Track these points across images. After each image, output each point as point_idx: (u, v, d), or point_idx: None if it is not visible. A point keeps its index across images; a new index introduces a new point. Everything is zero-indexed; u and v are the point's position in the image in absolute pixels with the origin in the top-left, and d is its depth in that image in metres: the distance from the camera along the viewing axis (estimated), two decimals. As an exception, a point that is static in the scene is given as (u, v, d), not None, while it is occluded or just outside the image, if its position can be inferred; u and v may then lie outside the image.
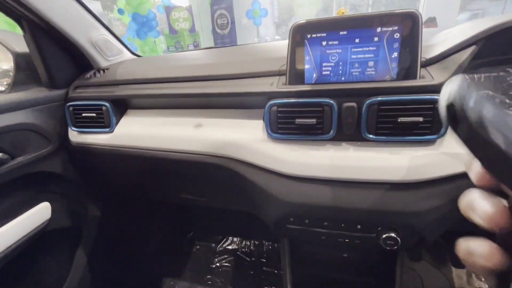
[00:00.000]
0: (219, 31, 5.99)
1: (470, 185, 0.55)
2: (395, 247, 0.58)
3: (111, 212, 1.07)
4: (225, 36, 6.01)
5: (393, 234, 0.57)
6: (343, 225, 0.61)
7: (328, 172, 0.59)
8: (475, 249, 0.17)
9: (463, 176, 0.53)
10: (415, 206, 0.55)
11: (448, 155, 0.54)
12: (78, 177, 0.94)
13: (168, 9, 5.54)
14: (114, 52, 0.98)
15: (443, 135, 0.54)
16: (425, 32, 0.74)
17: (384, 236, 0.58)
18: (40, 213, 0.79)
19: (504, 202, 0.17)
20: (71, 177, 0.91)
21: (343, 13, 1.06)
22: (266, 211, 0.68)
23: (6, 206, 0.74)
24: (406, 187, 0.56)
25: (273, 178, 0.64)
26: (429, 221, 0.56)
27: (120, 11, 5.66)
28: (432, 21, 4.76)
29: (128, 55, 1.07)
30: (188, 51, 1.21)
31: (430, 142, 0.56)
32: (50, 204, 0.84)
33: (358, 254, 0.70)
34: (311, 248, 0.77)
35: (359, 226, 0.60)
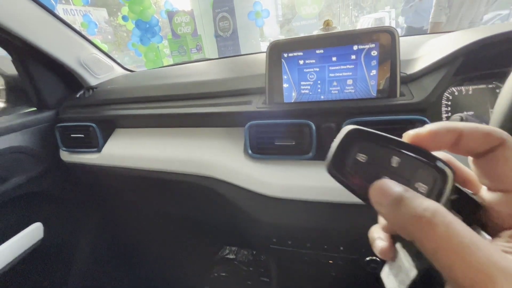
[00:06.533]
0: (221, 34, 6.00)
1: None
2: (378, 270, 0.56)
3: (107, 227, 1.08)
4: (227, 39, 6.02)
5: (376, 258, 0.56)
6: (325, 246, 0.60)
7: (308, 193, 0.58)
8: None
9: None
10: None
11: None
12: (72, 195, 0.95)
13: (171, 14, 5.58)
14: (103, 70, 0.99)
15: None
16: (411, 42, 0.72)
17: (367, 259, 0.57)
18: (32, 233, 0.81)
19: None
20: (64, 195, 0.93)
21: (328, 24, 1.03)
22: (248, 232, 0.67)
23: (0, 229, 0.76)
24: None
25: (254, 199, 0.63)
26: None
27: (124, 18, 5.76)
28: None
29: (119, 70, 1.08)
30: (180, 64, 1.21)
31: (412, 162, 0.54)
32: (44, 223, 0.85)
33: (345, 273, 0.68)
34: (299, 266, 0.76)
35: (341, 248, 0.59)
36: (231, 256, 1.39)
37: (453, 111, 0.57)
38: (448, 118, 0.56)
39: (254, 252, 1.38)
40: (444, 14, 2.18)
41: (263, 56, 0.92)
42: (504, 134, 0.16)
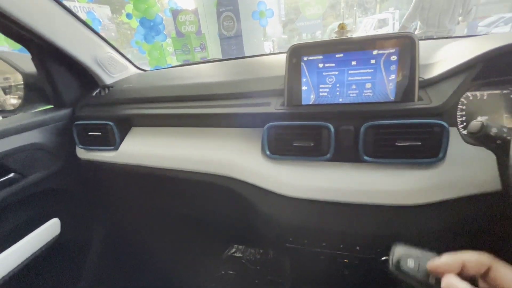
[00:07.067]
0: (225, 33, 6.00)
1: (471, 209, 0.53)
2: None
3: (119, 224, 1.10)
4: (231, 38, 6.02)
5: None
6: (341, 246, 0.62)
7: (326, 194, 0.59)
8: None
9: (463, 200, 0.53)
10: (413, 230, 0.55)
11: (447, 179, 0.53)
12: (87, 192, 0.97)
13: (175, 13, 5.59)
14: (118, 69, 1.01)
15: (441, 158, 0.53)
16: (427, 47, 0.73)
17: (383, 258, 0.58)
18: (50, 229, 0.82)
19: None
20: (80, 192, 0.94)
21: (342, 27, 1.04)
22: (266, 230, 0.69)
23: (19, 224, 0.77)
24: (403, 210, 0.55)
25: (271, 199, 0.64)
26: (428, 245, 0.55)
27: (128, 16, 5.77)
28: None
29: (132, 70, 1.10)
30: (191, 64, 1.22)
31: (429, 165, 0.55)
32: (60, 219, 0.87)
33: (360, 273, 0.70)
34: (313, 264, 0.77)
35: (358, 248, 0.60)
36: (239, 255, 1.40)
37: (468, 116, 0.59)
38: (463, 123, 0.58)
39: (261, 251, 1.39)
40: (412, 22, 2.86)
41: (278, 58, 0.94)
42: (491, 259, 0.26)
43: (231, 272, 1.33)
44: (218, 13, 5.92)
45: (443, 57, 0.62)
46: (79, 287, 0.96)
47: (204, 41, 5.86)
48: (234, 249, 1.43)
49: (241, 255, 1.40)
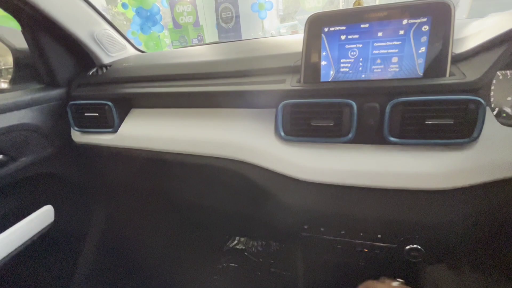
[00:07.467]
0: (223, 25, 5.90)
1: (506, 193, 0.49)
2: (419, 259, 0.54)
3: (116, 213, 1.04)
4: (229, 30, 5.93)
5: (417, 246, 0.53)
6: (361, 234, 0.57)
7: (346, 178, 0.54)
8: None
9: (497, 184, 0.49)
10: (443, 216, 0.51)
11: (480, 161, 0.49)
12: (83, 177, 0.91)
13: (172, 3, 5.46)
14: (117, 48, 0.94)
15: (475, 138, 0.49)
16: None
17: (407, 247, 0.54)
18: (43, 216, 0.76)
19: None
20: (75, 178, 0.88)
21: (359, 4, 0.97)
22: (278, 219, 0.64)
23: (9, 210, 0.71)
24: (432, 195, 0.51)
25: (286, 183, 0.59)
26: (458, 232, 0.51)
27: (124, 5, 5.61)
28: None
29: (131, 50, 1.03)
30: (193, 45, 1.16)
31: (461, 146, 0.51)
32: (54, 206, 0.81)
33: (379, 262, 0.66)
34: (327, 254, 0.73)
35: (379, 236, 0.56)
36: (241, 247, 1.36)
37: (497, 96, 0.54)
38: (492, 103, 0.53)
39: (264, 243, 1.35)
40: None
41: (288, 38, 0.89)
42: None
43: (234, 264, 1.29)
44: (216, 4, 5.82)
45: (475, 30, 0.57)
46: (74, 277, 0.91)
47: (201, 33, 5.75)
48: (236, 241, 1.39)
49: (244, 247, 1.36)
